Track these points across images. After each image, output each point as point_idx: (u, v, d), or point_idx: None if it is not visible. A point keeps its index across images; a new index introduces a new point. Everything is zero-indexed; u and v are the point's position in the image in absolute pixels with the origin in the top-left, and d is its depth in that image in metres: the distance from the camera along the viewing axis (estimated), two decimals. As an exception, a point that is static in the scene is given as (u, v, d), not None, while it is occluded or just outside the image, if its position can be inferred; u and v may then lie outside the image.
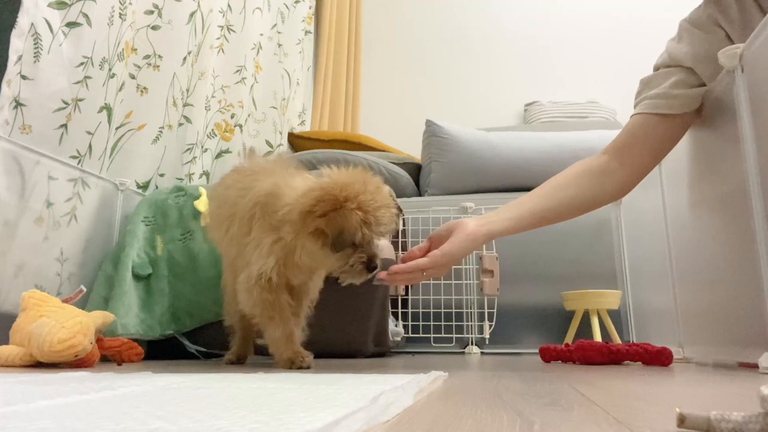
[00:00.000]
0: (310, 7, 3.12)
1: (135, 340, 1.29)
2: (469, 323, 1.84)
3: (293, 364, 1.01)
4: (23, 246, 1.32)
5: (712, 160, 1.12)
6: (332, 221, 0.95)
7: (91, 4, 1.48)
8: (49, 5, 1.38)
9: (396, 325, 1.70)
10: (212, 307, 1.41)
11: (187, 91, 1.99)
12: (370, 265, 0.99)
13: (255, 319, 1.07)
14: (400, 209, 1.82)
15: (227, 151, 2.24)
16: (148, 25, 1.81)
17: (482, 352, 1.80)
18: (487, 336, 1.81)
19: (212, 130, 2.20)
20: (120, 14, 1.59)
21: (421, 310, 1.85)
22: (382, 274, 1.04)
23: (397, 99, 3.81)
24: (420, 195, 2.32)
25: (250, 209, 1.06)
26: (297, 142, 2.81)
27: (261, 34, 2.54)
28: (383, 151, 2.67)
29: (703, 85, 1.12)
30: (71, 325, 1.02)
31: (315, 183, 1.01)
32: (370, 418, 0.41)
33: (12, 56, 1.30)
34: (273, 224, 1.02)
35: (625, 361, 1.20)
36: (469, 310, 1.85)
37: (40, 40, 1.35)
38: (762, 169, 0.92)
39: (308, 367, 1.01)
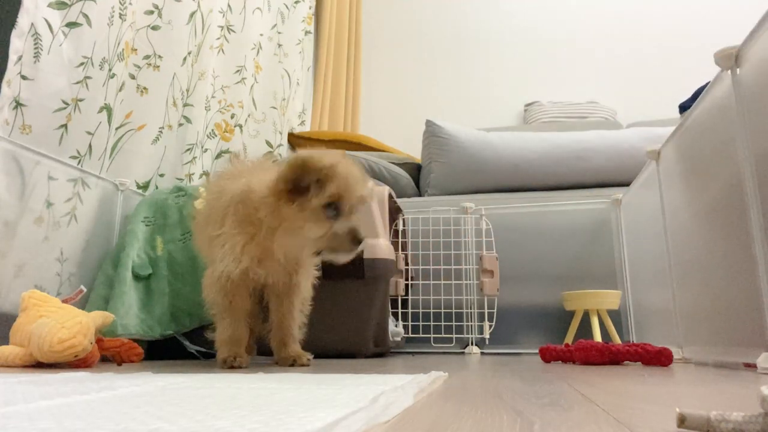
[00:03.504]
0: (310, 7, 3.12)
1: (135, 340, 1.29)
2: (469, 323, 1.84)
3: (225, 364, 1.05)
4: (23, 246, 1.32)
5: (709, 160, 1.12)
6: (306, 181, 0.94)
7: (91, 4, 1.48)
8: (49, 5, 1.38)
9: (396, 325, 1.70)
10: (212, 307, 1.41)
11: (187, 91, 1.99)
12: (354, 237, 0.97)
13: (211, 311, 1.10)
14: (399, 209, 1.82)
15: (227, 152, 2.24)
16: (148, 25, 1.81)
17: (482, 353, 1.80)
18: (487, 336, 1.81)
19: (212, 130, 2.20)
20: (120, 14, 1.59)
21: (421, 310, 1.85)
22: None
23: (397, 99, 3.81)
24: (420, 195, 2.32)
25: (224, 209, 1.07)
26: (297, 142, 2.81)
27: (261, 34, 2.54)
28: (383, 151, 2.67)
29: None
30: (71, 325, 1.02)
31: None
32: (370, 418, 0.41)
33: (12, 56, 1.30)
34: (249, 220, 1.02)
35: (625, 361, 1.20)
36: (469, 311, 1.85)
37: (40, 40, 1.35)
38: (758, 169, 0.92)
39: (239, 367, 1.04)
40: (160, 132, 1.85)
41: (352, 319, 1.45)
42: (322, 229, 0.97)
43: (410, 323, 1.83)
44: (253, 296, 1.15)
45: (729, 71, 1.00)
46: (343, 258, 1.00)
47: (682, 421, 0.36)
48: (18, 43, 1.31)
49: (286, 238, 1.00)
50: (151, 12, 1.82)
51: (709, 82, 1.11)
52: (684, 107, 1.45)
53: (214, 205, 1.11)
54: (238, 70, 2.34)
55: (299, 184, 0.95)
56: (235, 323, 1.09)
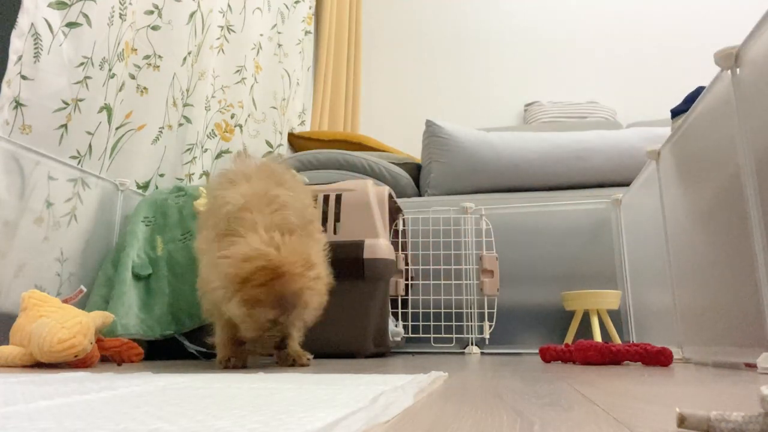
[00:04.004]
0: (310, 7, 3.12)
1: (135, 340, 1.29)
2: (469, 323, 1.84)
3: (221, 364, 1.08)
4: (23, 246, 1.32)
5: (708, 160, 1.12)
6: (269, 293, 0.94)
7: (91, 4, 1.48)
8: (49, 5, 1.38)
9: (396, 325, 1.70)
10: (212, 307, 1.41)
11: (187, 91, 1.99)
12: (281, 344, 1.04)
13: (209, 315, 1.12)
14: (399, 209, 1.82)
15: (227, 152, 2.24)
16: (148, 25, 1.81)
17: (482, 353, 1.80)
18: (487, 336, 1.81)
19: (212, 130, 2.20)
20: (120, 14, 1.59)
21: (421, 310, 1.85)
22: None
23: (397, 99, 3.81)
24: (420, 195, 2.32)
25: (216, 212, 1.06)
26: (297, 142, 2.81)
27: (261, 34, 2.54)
28: (383, 151, 2.67)
29: None
30: (71, 325, 1.02)
31: (258, 251, 0.95)
32: (370, 418, 0.41)
33: (12, 56, 1.30)
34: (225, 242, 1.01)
35: (625, 361, 1.20)
36: (469, 310, 1.85)
37: (40, 40, 1.35)
38: (758, 169, 0.92)
39: (235, 367, 1.06)
40: (160, 132, 1.85)
41: (352, 319, 1.45)
42: (254, 333, 1.00)
43: (410, 323, 1.83)
44: None
45: (729, 71, 1.00)
46: (262, 352, 1.09)
47: (682, 421, 0.36)
48: (18, 43, 1.31)
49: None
50: (151, 12, 1.82)
51: (700, 86, 1.11)
52: (676, 113, 1.45)
53: (211, 210, 1.11)
54: (238, 70, 2.34)
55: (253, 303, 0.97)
56: (231, 325, 1.09)
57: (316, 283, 1.00)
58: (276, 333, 1.01)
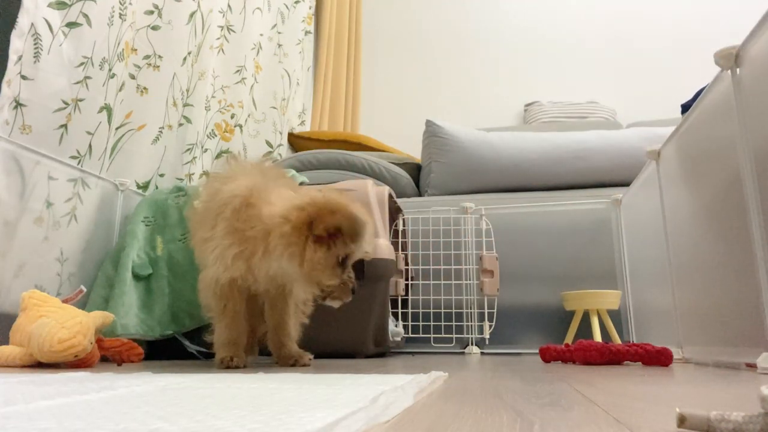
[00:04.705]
0: (310, 7, 3.12)
1: (135, 340, 1.29)
2: (469, 323, 1.84)
3: (222, 364, 1.07)
4: (23, 246, 1.32)
5: (709, 160, 1.12)
6: (333, 234, 0.98)
7: (91, 4, 1.48)
8: (49, 5, 1.38)
9: (396, 325, 1.70)
10: (212, 307, 1.41)
11: (187, 91, 1.99)
12: (353, 288, 1.05)
13: (209, 314, 1.11)
14: (399, 209, 1.82)
15: (227, 152, 2.25)
16: (148, 25, 1.81)
17: (482, 353, 1.80)
18: (487, 336, 1.81)
19: (212, 130, 2.20)
20: (120, 14, 1.60)
21: (421, 310, 1.85)
22: None
23: (397, 99, 3.81)
24: (420, 195, 2.32)
25: (217, 211, 1.06)
26: (297, 142, 2.82)
27: (261, 35, 2.54)
28: (383, 151, 2.67)
29: None
30: (71, 326, 1.02)
31: (302, 199, 1.01)
32: (370, 418, 0.41)
33: (12, 56, 1.30)
34: (241, 234, 1.02)
35: (625, 361, 1.20)
36: (469, 311, 1.85)
37: (40, 40, 1.35)
38: (758, 169, 0.92)
39: (236, 367, 1.05)
40: (160, 132, 1.85)
41: (352, 318, 1.45)
42: (335, 279, 1.01)
43: (410, 323, 1.83)
44: (250, 297, 1.15)
45: (729, 71, 1.00)
46: (337, 304, 1.07)
47: (682, 421, 0.36)
48: (18, 43, 1.31)
49: (286, 266, 1.01)
50: (151, 12, 1.82)
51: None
52: (687, 107, 1.45)
53: (207, 207, 1.11)
54: (238, 70, 2.34)
55: (330, 233, 0.99)
56: (232, 325, 1.09)
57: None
58: (347, 277, 1.03)
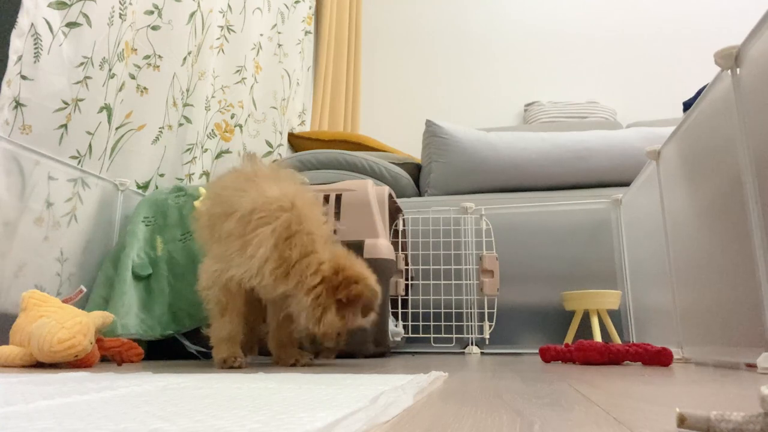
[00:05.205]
0: (310, 7, 3.12)
1: (135, 340, 1.29)
2: (469, 323, 1.84)
3: (225, 363, 1.06)
4: (23, 246, 1.32)
5: (709, 160, 1.12)
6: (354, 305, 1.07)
7: (91, 4, 1.48)
8: (49, 5, 1.38)
9: (396, 325, 1.70)
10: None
11: (187, 91, 1.99)
12: (343, 339, 1.11)
13: (207, 306, 1.11)
14: (399, 209, 1.82)
15: (227, 152, 2.24)
16: (148, 25, 1.81)
17: (482, 353, 1.80)
18: (487, 336, 1.81)
19: (212, 130, 2.20)
20: (120, 14, 1.60)
21: (421, 310, 1.85)
22: None
23: (397, 99, 3.81)
24: (420, 195, 2.32)
25: (255, 209, 1.05)
26: (297, 142, 2.81)
27: (261, 35, 2.54)
28: (383, 151, 2.67)
29: None
30: (71, 326, 1.02)
31: (339, 255, 1.08)
32: (370, 418, 0.41)
33: (12, 56, 1.30)
34: (283, 256, 1.04)
35: (625, 361, 1.20)
36: (469, 310, 1.85)
37: (40, 40, 1.35)
38: (758, 169, 0.92)
39: (239, 367, 1.05)
40: (160, 132, 1.85)
41: (352, 319, 1.45)
42: (338, 331, 1.07)
43: (410, 323, 1.83)
44: (250, 296, 1.14)
45: (729, 71, 1.00)
46: (329, 357, 1.18)
47: (682, 421, 0.36)
48: (18, 43, 1.31)
49: (305, 317, 1.05)
50: (151, 12, 1.82)
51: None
52: (688, 105, 1.45)
53: (234, 202, 1.09)
54: (238, 70, 2.34)
55: (350, 300, 1.06)
56: (233, 321, 1.09)
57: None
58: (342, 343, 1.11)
